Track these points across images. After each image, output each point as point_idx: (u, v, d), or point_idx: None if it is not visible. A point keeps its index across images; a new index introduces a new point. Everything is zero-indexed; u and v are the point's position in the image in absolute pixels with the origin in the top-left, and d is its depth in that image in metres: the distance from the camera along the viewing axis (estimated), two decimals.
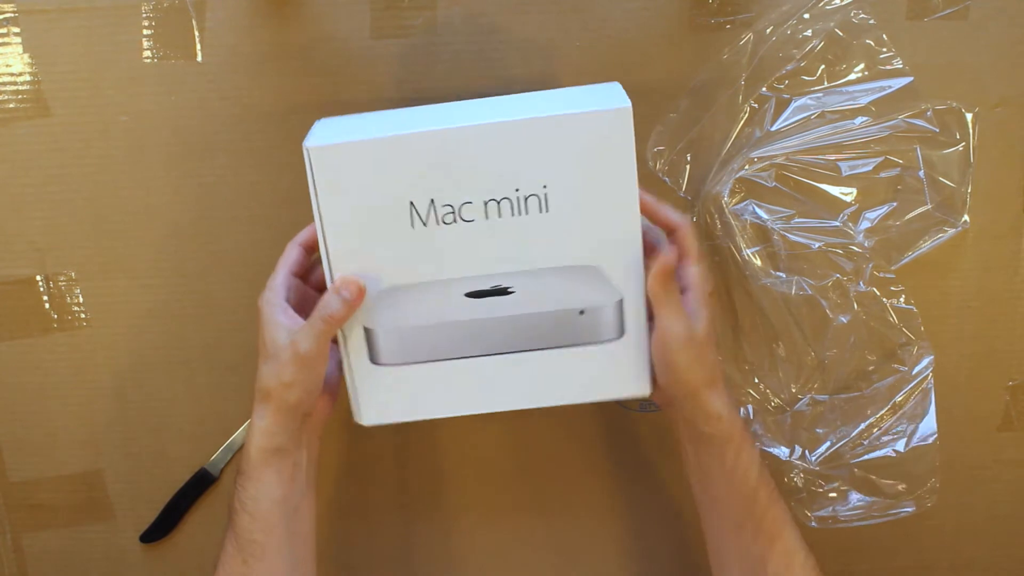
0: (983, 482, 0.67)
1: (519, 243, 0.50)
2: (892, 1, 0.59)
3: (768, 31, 0.60)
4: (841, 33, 0.59)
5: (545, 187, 0.49)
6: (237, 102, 0.60)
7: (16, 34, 0.58)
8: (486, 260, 0.50)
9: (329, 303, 0.50)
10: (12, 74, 0.59)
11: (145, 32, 0.59)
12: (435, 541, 0.68)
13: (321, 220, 0.49)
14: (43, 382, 0.64)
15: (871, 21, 0.59)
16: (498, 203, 0.49)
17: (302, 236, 0.54)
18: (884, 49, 0.60)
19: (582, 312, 0.51)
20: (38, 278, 0.63)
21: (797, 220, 0.61)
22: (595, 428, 0.66)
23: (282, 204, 0.61)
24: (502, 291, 0.51)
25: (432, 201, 0.49)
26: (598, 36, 0.59)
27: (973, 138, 0.60)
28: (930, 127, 0.60)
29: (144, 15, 0.58)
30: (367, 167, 0.48)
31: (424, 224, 0.49)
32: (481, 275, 0.50)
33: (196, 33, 0.59)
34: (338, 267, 0.50)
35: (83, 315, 0.63)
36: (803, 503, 0.63)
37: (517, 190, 0.49)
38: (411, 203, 0.49)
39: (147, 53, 0.59)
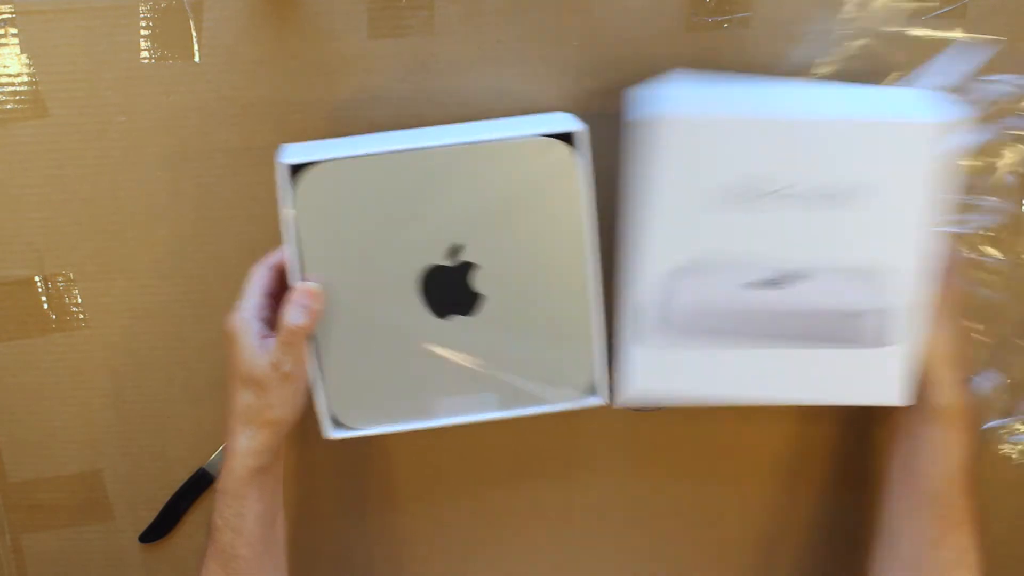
0: (981, 481, 0.67)
1: (821, 238, 0.50)
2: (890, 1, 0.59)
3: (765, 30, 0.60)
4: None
5: (861, 186, 0.49)
6: (235, 102, 0.60)
7: (14, 35, 0.58)
8: (786, 249, 0.51)
9: (292, 316, 0.51)
10: (10, 75, 0.59)
11: (143, 32, 0.59)
12: (428, 535, 0.68)
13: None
14: (42, 383, 0.64)
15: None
16: (818, 196, 0.50)
17: (271, 260, 0.55)
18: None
19: (861, 315, 0.52)
20: (36, 279, 0.63)
21: None
22: (595, 427, 0.66)
23: None
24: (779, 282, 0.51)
25: (754, 185, 0.49)
26: (596, 35, 0.59)
27: None
28: None
29: (142, 15, 0.58)
30: (713, 143, 0.49)
31: (740, 205, 0.50)
32: (773, 265, 0.51)
33: (194, 33, 0.59)
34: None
35: (81, 316, 0.63)
36: None
37: (837, 185, 0.50)
38: (732, 183, 0.49)
39: (145, 53, 0.59)
